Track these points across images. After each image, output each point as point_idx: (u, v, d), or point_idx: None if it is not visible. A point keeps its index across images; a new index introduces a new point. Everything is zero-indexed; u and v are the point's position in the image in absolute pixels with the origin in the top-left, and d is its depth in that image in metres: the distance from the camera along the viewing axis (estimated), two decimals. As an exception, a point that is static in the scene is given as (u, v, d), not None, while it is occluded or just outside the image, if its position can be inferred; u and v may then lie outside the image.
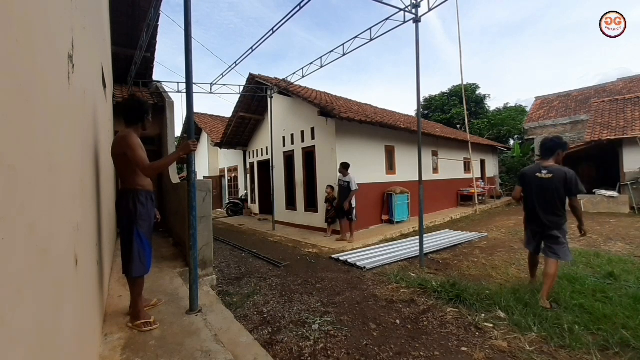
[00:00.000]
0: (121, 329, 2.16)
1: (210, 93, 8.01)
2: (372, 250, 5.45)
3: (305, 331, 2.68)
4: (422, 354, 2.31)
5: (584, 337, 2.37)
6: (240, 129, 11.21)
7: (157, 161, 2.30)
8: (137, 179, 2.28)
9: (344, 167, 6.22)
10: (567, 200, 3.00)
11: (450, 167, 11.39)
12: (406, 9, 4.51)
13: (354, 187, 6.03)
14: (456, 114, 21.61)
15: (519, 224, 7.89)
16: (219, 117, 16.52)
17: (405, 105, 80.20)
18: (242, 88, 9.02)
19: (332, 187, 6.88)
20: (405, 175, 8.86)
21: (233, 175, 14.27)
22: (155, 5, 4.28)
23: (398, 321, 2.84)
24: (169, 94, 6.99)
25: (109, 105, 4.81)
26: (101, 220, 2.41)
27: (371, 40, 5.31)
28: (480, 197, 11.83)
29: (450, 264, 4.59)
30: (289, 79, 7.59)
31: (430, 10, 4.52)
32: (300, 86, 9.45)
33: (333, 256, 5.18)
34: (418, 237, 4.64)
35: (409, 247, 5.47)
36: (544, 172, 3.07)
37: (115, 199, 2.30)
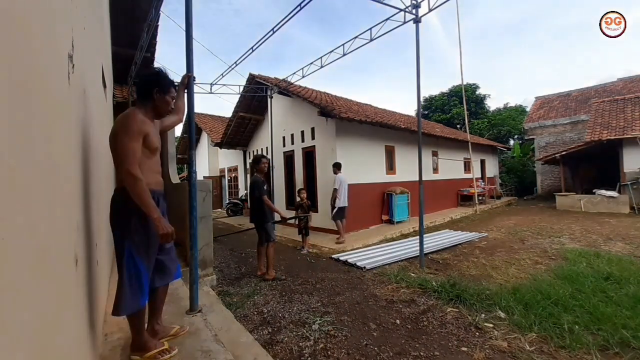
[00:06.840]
0: (121, 329, 2.16)
1: (210, 93, 8.01)
2: (372, 250, 5.45)
3: (305, 331, 2.68)
4: (422, 354, 2.31)
5: (584, 337, 2.37)
6: (240, 129, 11.21)
7: (142, 182, 1.58)
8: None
9: (337, 167, 6.23)
10: None
11: (450, 167, 11.39)
12: (406, 10, 4.51)
13: (335, 185, 6.07)
14: (456, 114, 21.62)
15: (519, 224, 7.90)
16: (219, 117, 16.52)
17: (405, 105, 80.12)
18: (242, 88, 9.03)
19: (303, 190, 6.00)
20: (405, 175, 8.86)
21: (233, 175, 14.27)
22: (156, 6, 4.28)
23: (398, 321, 2.84)
24: (169, 94, 6.95)
25: (109, 105, 4.81)
26: (101, 220, 2.40)
27: (371, 40, 5.31)
28: (480, 197, 11.83)
29: (450, 264, 4.59)
30: (289, 79, 7.59)
31: (430, 10, 4.52)
32: (300, 86, 9.45)
33: (333, 256, 5.19)
34: (418, 237, 4.64)
35: (409, 247, 5.47)
36: None
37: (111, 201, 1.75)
